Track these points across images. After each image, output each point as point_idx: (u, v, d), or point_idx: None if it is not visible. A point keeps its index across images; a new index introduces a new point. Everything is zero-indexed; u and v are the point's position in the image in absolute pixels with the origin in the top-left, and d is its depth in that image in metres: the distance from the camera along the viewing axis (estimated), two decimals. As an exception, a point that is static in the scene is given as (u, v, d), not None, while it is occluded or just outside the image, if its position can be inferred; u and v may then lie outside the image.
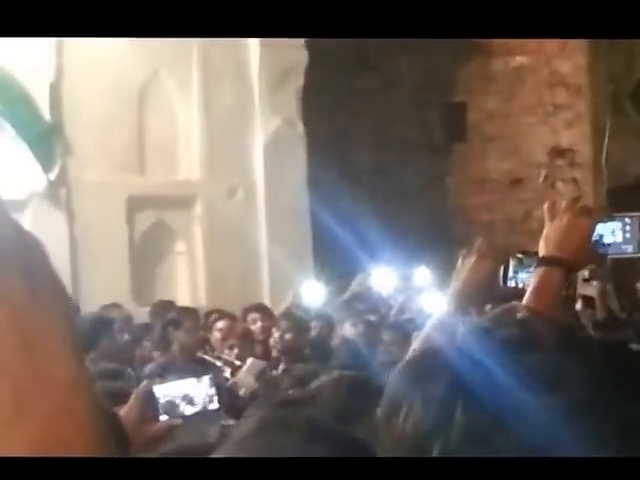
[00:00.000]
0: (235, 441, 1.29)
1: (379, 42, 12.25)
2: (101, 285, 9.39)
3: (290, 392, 4.97)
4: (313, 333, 8.01)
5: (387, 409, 1.14)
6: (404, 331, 6.93)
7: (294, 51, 11.11)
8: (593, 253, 2.33)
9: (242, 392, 6.13)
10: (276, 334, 7.69)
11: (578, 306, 7.57)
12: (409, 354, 2.36)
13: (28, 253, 0.85)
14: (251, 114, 11.36)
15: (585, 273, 7.38)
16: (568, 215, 2.30)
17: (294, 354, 7.31)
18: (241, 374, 6.39)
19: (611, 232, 2.30)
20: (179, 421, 2.59)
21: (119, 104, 10.36)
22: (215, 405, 2.66)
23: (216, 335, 7.51)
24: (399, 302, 8.77)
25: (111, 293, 9.07)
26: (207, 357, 6.98)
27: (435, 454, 1.06)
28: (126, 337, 7.41)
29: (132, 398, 2.60)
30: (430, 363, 1.13)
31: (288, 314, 8.40)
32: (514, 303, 2.28)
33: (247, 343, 7.39)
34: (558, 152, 14.36)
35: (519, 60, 14.33)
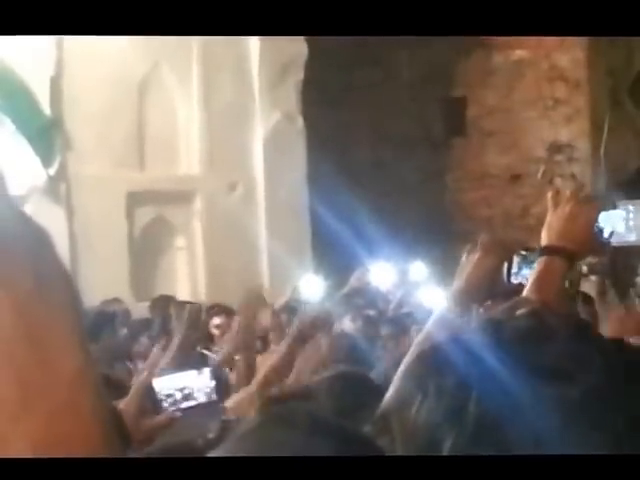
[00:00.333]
0: (237, 436, 1.29)
1: (379, 37, 12.24)
2: (101, 280, 9.38)
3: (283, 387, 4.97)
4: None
5: (398, 402, 1.14)
6: (402, 325, 6.94)
7: (294, 46, 11.10)
8: (596, 242, 2.30)
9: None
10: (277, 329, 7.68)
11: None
12: (413, 348, 2.36)
13: (33, 242, 0.84)
14: (251, 108, 11.36)
15: (584, 268, 7.36)
16: (571, 204, 2.28)
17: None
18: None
19: (614, 221, 2.28)
20: (178, 414, 2.57)
21: (119, 99, 10.36)
22: (215, 397, 2.65)
23: (214, 330, 7.51)
24: (397, 297, 8.77)
25: (111, 288, 9.07)
26: (206, 352, 6.97)
27: (448, 446, 1.05)
28: (125, 332, 7.41)
29: (131, 391, 2.58)
30: (442, 355, 1.13)
31: (288, 309, 8.39)
32: (524, 296, 2.26)
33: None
34: (557, 147, 14.35)
35: (518, 54, 14.31)
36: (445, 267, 10.99)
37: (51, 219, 8.94)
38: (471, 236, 2.66)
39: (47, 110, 9.80)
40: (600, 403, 1.03)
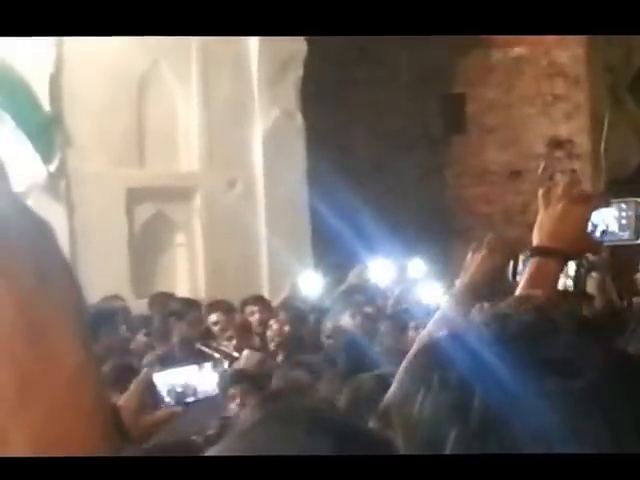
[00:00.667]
0: (236, 433, 1.29)
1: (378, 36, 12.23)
2: (100, 277, 9.38)
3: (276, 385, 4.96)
4: (311, 324, 8.01)
5: (401, 397, 1.14)
6: (401, 322, 6.94)
7: (293, 43, 11.10)
8: (589, 241, 2.25)
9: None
10: (275, 326, 7.69)
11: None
12: (416, 345, 2.34)
13: (35, 236, 0.84)
14: (250, 106, 11.35)
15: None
16: (563, 202, 2.22)
17: (293, 346, 7.32)
18: (237, 366, 6.38)
19: (607, 219, 2.23)
20: (179, 409, 2.56)
21: (119, 96, 10.36)
22: (216, 393, 2.64)
23: (213, 327, 7.52)
24: (396, 293, 8.77)
25: (111, 284, 9.08)
26: (205, 349, 6.98)
27: (451, 440, 1.05)
28: (125, 329, 7.41)
29: (132, 387, 2.57)
30: (444, 350, 1.13)
31: (287, 306, 8.40)
32: (529, 291, 2.22)
33: (245, 335, 7.39)
34: (557, 143, 14.34)
35: (518, 51, 14.30)
36: (444, 264, 11.01)
37: (51, 215, 8.83)
38: (471, 233, 2.65)
39: (47, 107, 9.80)
40: (602, 397, 1.03)
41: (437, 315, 2.60)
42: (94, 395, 0.83)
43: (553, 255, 2.20)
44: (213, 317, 7.59)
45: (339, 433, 1.22)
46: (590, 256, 4.89)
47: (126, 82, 10.45)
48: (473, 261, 2.59)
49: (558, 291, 2.30)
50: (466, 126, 14.82)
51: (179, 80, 10.94)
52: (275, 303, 8.71)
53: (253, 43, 11.17)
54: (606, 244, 2.29)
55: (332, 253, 10.55)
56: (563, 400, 1.03)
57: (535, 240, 2.25)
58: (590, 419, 1.02)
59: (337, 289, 9.05)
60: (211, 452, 1.23)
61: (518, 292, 2.20)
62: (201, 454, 1.25)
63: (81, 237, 9.89)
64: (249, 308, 8.19)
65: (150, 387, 2.56)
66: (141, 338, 7.33)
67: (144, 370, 2.82)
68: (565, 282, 2.37)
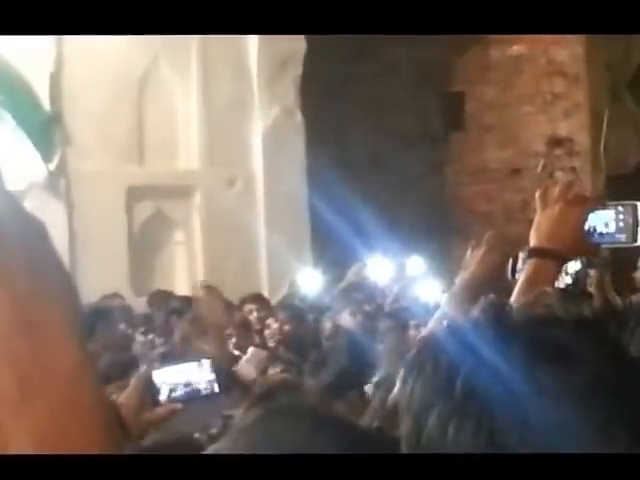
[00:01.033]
0: (237, 429, 1.29)
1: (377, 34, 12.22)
2: (100, 275, 9.39)
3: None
4: (310, 323, 8.01)
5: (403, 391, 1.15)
6: (400, 320, 6.94)
7: (292, 41, 11.10)
8: (586, 243, 2.23)
9: (243, 381, 6.13)
10: (274, 325, 7.69)
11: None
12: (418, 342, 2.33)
13: (30, 236, 0.84)
14: (250, 104, 11.35)
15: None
16: (560, 204, 2.21)
17: (293, 344, 7.32)
18: (242, 363, 6.38)
19: (604, 221, 2.22)
20: (179, 406, 2.55)
21: (119, 94, 10.36)
22: (216, 390, 2.63)
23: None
24: (394, 291, 8.76)
25: (110, 283, 9.08)
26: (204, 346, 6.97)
27: (433, 415, 1.06)
28: (125, 327, 7.41)
29: (131, 384, 2.56)
30: (444, 340, 1.13)
31: (286, 305, 8.40)
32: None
33: (245, 333, 7.39)
34: (556, 141, 14.34)
35: (516, 49, 14.30)
36: (444, 261, 11.02)
37: (51, 214, 8.95)
38: (470, 230, 2.65)
39: (47, 106, 9.81)
40: (599, 391, 1.04)
41: (437, 314, 2.60)
42: (92, 393, 0.83)
43: (551, 256, 2.19)
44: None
45: (340, 431, 1.22)
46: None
47: (126, 81, 10.45)
48: (472, 258, 2.59)
49: (557, 290, 2.29)
50: (465, 124, 14.82)
51: (179, 78, 10.94)
52: (274, 301, 8.71)
53: (253, 41, 11.17)
54: (603, 247, 2.28)
55: (331, 251, 10.55)
56: (557, 390, 1.03)
57: (532, 241, 2.24)
58: (586, 412, 1.02)
59: (336, 287, 9.05)
60: (213, 449, 1.24)
61: (515, 293, 2.18)
62: (203, 452, 1.25)
63: (81, 235, 9.90)
64: (248, 306, 8.20)
65: (150, 384, 2.55)
66: (140, 336, 7.33)
67: (143, 367, 2.81)
68: (565, 280, 2.36)
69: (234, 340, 7.14)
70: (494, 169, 14.66)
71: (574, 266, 2.28)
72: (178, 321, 7.36)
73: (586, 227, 2.20)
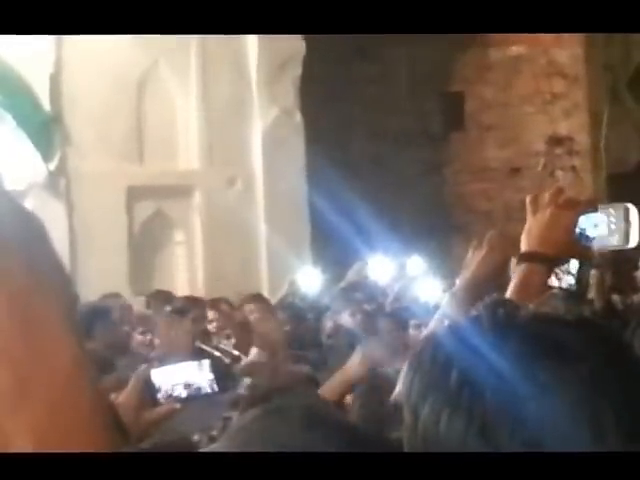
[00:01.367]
0: (234, 429, 1.30)
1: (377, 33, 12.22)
2: (100, 274, 9.40)
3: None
4: (310, 323, 8.01)
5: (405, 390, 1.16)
6: (401, 320, 6.92)
7: (292, 41, 11.10)
8: (577, 247, 2.21)
9: (244, 382, 6.12)
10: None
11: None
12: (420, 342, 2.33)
13: (28, 235, 0.84)
14: (249, 104, 11.36)
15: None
16: (551, 208, 2.20)
17: (293, 344, 7.31)
18: (243, 364, 6.37)
19: (595, 224, 2.21)
20: (179, 406, 2.54)
21: (118, 94, 10.37)
22: (215, 390, 2.61)
23: (212, 324, 7.51)
24: (395, 290, 8.75)
25: (110, 282, 9.08)
26: (205, 347, 6.97)
27: (428, 404, 1.08)
28: (125, 327, 7.41)
29: (130, 383, 2.55)
30: (445, 339, 1.15)
31: (286, 305, 8.39)
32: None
33: (244, 333, 7.38)
34: (556, 140, 14.35)
35: (516, 50, 14.31)
36: (444, 260, 11.02)
37: (51, 214, 8.96)
38: (471, 229, 2.64)
39: (47, 106, 9.82)
40: (597, 387, 1.05)
41: (438, 314, 2.59)
42: (91, 391, 0.83)
43: (543, 261, 2.19)
44: (210, 314, 7.59)
45: (333, 429, 1.22)
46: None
47: (126, 80, 10.46)
48: (474, 259, 2.58)
49: (559, 290, 2.28)
50: (465, 123, 14.83)
51: (178, 78, 10.95)
52: (274, 301, 8.70)
53: (252, 42, 11.17)
54: (595, 250, 2.27)
55: (331, 250, 10.56)
56: (554, 387, 1.04)
57: (524, 246, 2.23)
58: (581, 409, 1.03)
59: (336, 286, 9.05)
60: (211, 449, 1.24)
61: (507, 297, 2.14)
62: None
63: (81, 235, 9.90)
64: (248, 306, 8.19)
65: (148, 384, 2.54)
66: (138, 336, 7.32)
67: (142, 367, 2.80)
68: (567, 280, 2.34)
69: (234, 340, 7.14)
70: (494, 168, 14.67)
71: (575, 266, 2.26)
72: (180, 321, 7.35)
73: (577, 230, 2.19)
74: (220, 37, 10.29)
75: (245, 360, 6.47)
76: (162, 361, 4.03)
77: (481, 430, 1.04)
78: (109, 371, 4.70)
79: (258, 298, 8.55)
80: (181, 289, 10.04)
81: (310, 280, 9.85)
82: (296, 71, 11.62)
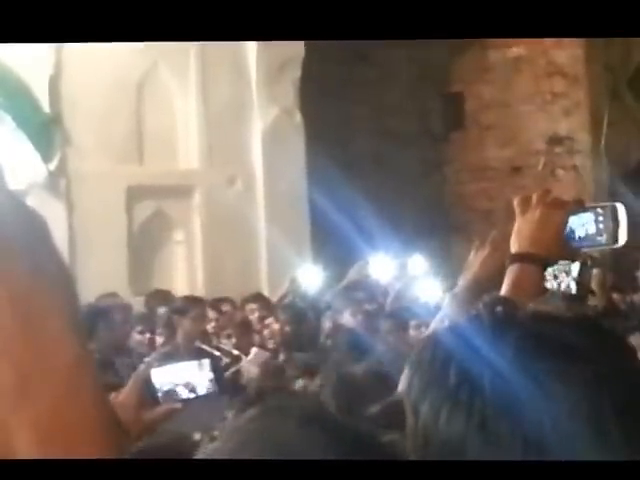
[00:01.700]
0: (232, 427, 1.30)
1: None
2: (100, 274, 9.40)
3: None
4: (311, 322, 8.01)
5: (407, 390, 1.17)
6: (401, 319, 6.93)
7: (291, 43, 11.10)
8: (566, 246, 2.22)
9: (245, 382, 6.13)
10: (275, 326, 7.69)
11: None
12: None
13: (31, 233, 0.84)
14: (249, 104, 11.36)
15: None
16: (540, 208, 2.22)
17: (294, 345, 7.32)
18: (245, 364, 6.39)
19: (584, 223, 2.21)
20: (178, 406, 2.53)
21: (118, 95, 10.37)
22: (216, 389, 2.61)
23: (212, 324, 7.52)
24: (396, 290, 8.75)
25: (109, 282, 9.09)
26: (205, 347, 6.98)
27: (427, 401, 1.08)
28: (126, 326, 7.42)
29: (130, 383, 2.55)
30: (445, 338, 1.15)
31: (286, 305, 8.40)
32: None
33: (245, 333, 7.39)
34: (557, 139, 14.35)
35: (516, 51, 14.31)
36: (444, 260, 11.02)
37: (51, 214, 8.90)
38: (471, 228, 2.64)
39: (47, 107, 9.83)
40: (596, 386, 1.05)
41: (439, 315, 2.59)
42: (92, 389, 0.83)
43: (534, 261, 2.18)
44: (210, 314, 7.60)
45: (327, 428, 1.22)
46: (592, 254, 4.88)
47: (125, 80, 10.47)
48: (476, 259, 2.57)
49: (559, 289, 2.28)
50: (465, 123, 14.84)
51: (178, 79, 10.96)
52: (274, 300, 8.71)
53: (251, 43, 11.17)
54: (584, 249, 2.27)
55: (332, 250, 10.55)
56: (554, 385, 1.04)
57: (514, 247, 2.24)
58: (583, 406, 1.03)
59: (337, 285, 9.06)
60: (209, 450, 1.24)
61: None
62: (200, 453, 1.26)
63: (80, 235, 9.91)
64: (249, 306, 8.20)
65: (148, 383, 2.54)
66: (137, 335, 7.33)
67: (142, 366, 2.80)
68: (567, 280, 2.34)
69: (234, 340, 7.15)
70: (495, 167, 14.67)
71: (576, 266, 2.26)
72: (180, 320, 7.35)
73: (567, 230, 2.19)
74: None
75: (245, 360, 6.48)
76: (166, 360, 4.02)
77: (481, 426, 1.05)
78: (109, 371, 4.70)
79: (259, 298, 8.57)
80: (181, 289, 10.05)
81: (310, 279, 9.86)
82: (296, 73, 11.62)
